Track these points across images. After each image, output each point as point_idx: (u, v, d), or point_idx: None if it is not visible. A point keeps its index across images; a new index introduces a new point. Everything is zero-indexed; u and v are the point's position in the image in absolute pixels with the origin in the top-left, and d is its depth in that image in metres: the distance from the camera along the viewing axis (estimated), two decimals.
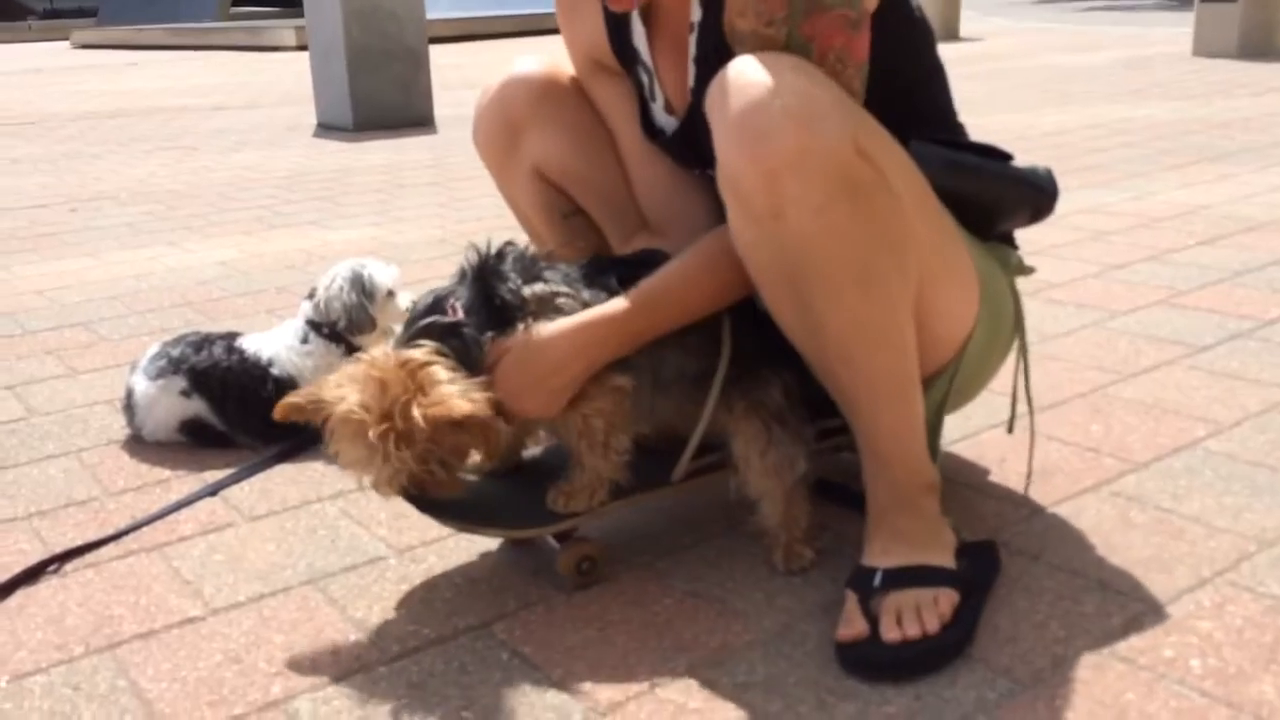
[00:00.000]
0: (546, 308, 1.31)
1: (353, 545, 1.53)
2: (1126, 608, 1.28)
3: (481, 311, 1.30)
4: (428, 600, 1.37)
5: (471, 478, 1.44)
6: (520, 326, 1.29)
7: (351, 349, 1.87)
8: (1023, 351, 1.48)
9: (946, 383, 1.35)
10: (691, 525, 1.53)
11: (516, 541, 1.49)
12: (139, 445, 1.90)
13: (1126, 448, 1.70)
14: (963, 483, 1.60)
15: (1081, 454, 1.68)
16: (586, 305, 1.31)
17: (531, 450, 1.55)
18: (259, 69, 11.01)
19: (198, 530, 1.59)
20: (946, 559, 1.28)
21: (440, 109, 6.41)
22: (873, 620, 1.22)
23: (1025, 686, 1.15)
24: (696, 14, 1.34)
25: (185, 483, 1.75)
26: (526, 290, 1.31)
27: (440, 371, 1.23)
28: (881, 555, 1.27)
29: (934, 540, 1.29)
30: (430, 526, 1.56)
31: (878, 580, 1.24)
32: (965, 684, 1.16)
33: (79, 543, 1.53)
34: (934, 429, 1.36)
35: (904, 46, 1.33)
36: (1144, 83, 6.60)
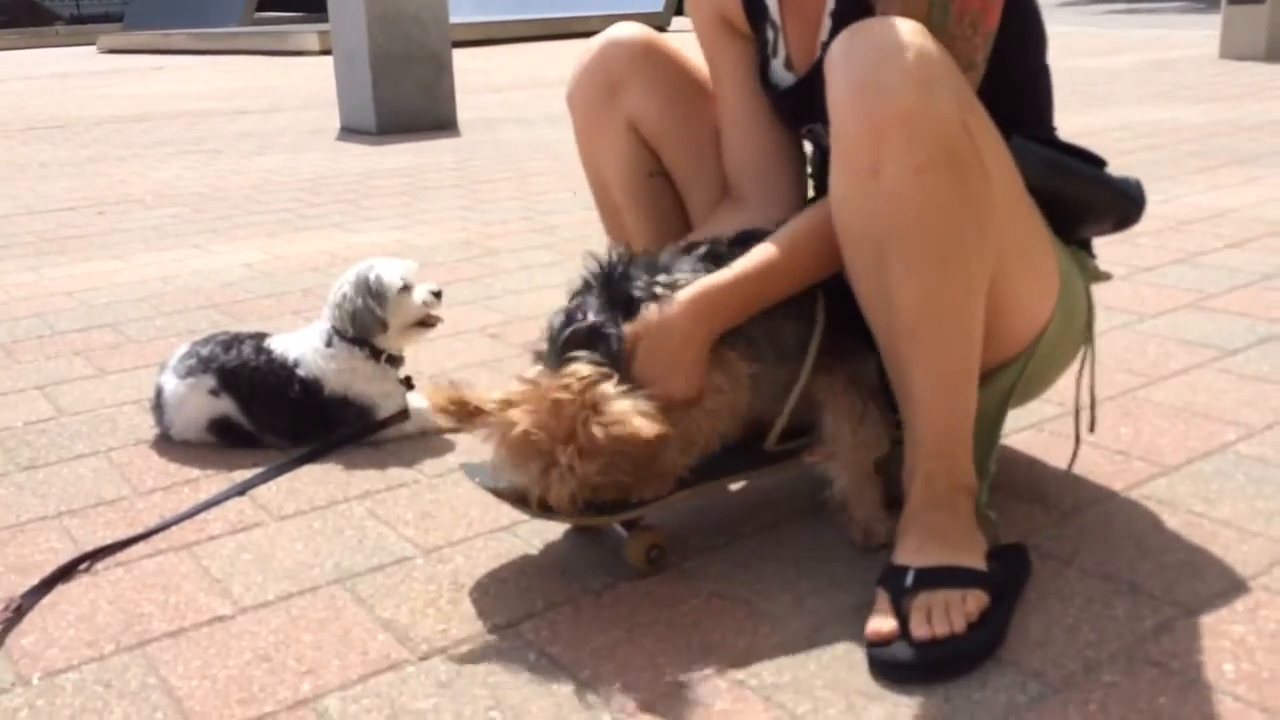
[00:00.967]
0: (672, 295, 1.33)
1: (380, 545, 1.53)
2: (1159, 611, 1.27)
3: (615, 314, 1.33)
4: (455, 600, 1.38)
5: None
6: (642, 313, 1.32)
7: (376, 352, 1.87)
8: (1091, 356, 1.50)
9: (1016, 373, 1.37)
10: (720, 527, 1.52)
11: (582, 529, 1.50)
12: (167, 445, 1.91)
13: (1157, 451, 1.68)
14: (992, 484, 1.59)
15: (1112, 457, 1.67)
16: None
17: None
18: (283, 73, 11.08)
19: (226, 529, 1.60)
20: (978, 561, 1.27)
21: (463, 112, 6.43)
22: (903, 619, 1.21)
23: (1056, 690, 1.14)
24: None
25: (214, 482, 1.76)
26: (659, 286, 1.33)
27: (609, 387, 1.25)
28: (915, 554, 1.27)
29: (968, 541, 1.29)
30: (456, 526, 1.56)
31: (910, 580, 1.24)
32: (996, 687, 1.15)
33: (109, 541, 1.55)
34: (996, 420, 1.38)
35: (1023, 40, 1.37)
36: (1170, 85, 6.55)
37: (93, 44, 19.03)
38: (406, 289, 1.87)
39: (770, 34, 1.48)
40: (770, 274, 1.32)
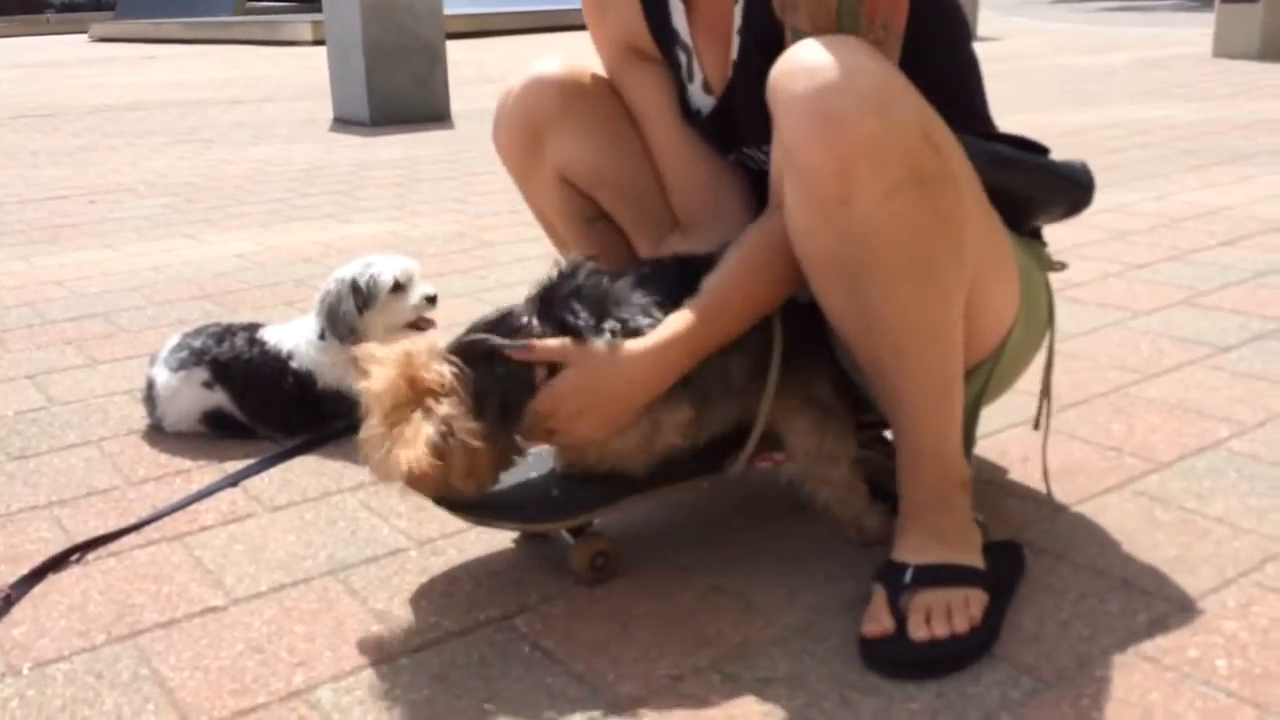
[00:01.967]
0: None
1: (373, 537, 1.53)
2: (1152, 607, 1.27)
3: (544, 323, 1.27)
4: (449, 592, 1.37)
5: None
6: (590, 341, 1.25)
7: None
8: (1050, 348, 1.48)
9: (986, 374, 1.36)
10: (714, 520, 1.52)
11: (532, 535, 1.49)
12: (159, 435, 1.90)
13: (1150, 447, 1.69)
14: (986, 480, 1.59)
15: (1104, 453, 1.67)
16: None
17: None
18: (275, 63, 11.04)
19: (219, 520, 1.59)
20: (977, 559, 1.27)
21: (456, 104, 6.41)
22: (900, 618, 1.21)
23: (1049, 685, 1.14)
24: None
25: (206, 473, 1.75)
26: (608, 331, 1.26)
27: (432, 411, 1.21)
28: (914, 551, 1.26)
29: (966, 539, 1.28)
30: (450, 519, 1.55)
31: (909, 577, 1.23)
32: (989, 682, 1.15)
33: (100, 532, 1.54)
34: (971, 420, 1.36)
35: (945, 35, 1.33)
36: (1164, 83, 6.56)
37: (84, 32, 18.92)
38: (400, 289, 1.84)
39: (683, 57, 1.43)
40: (727, 316, 1.27)
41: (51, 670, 1.25)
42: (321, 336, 1.86)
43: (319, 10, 6.56)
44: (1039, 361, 1.49)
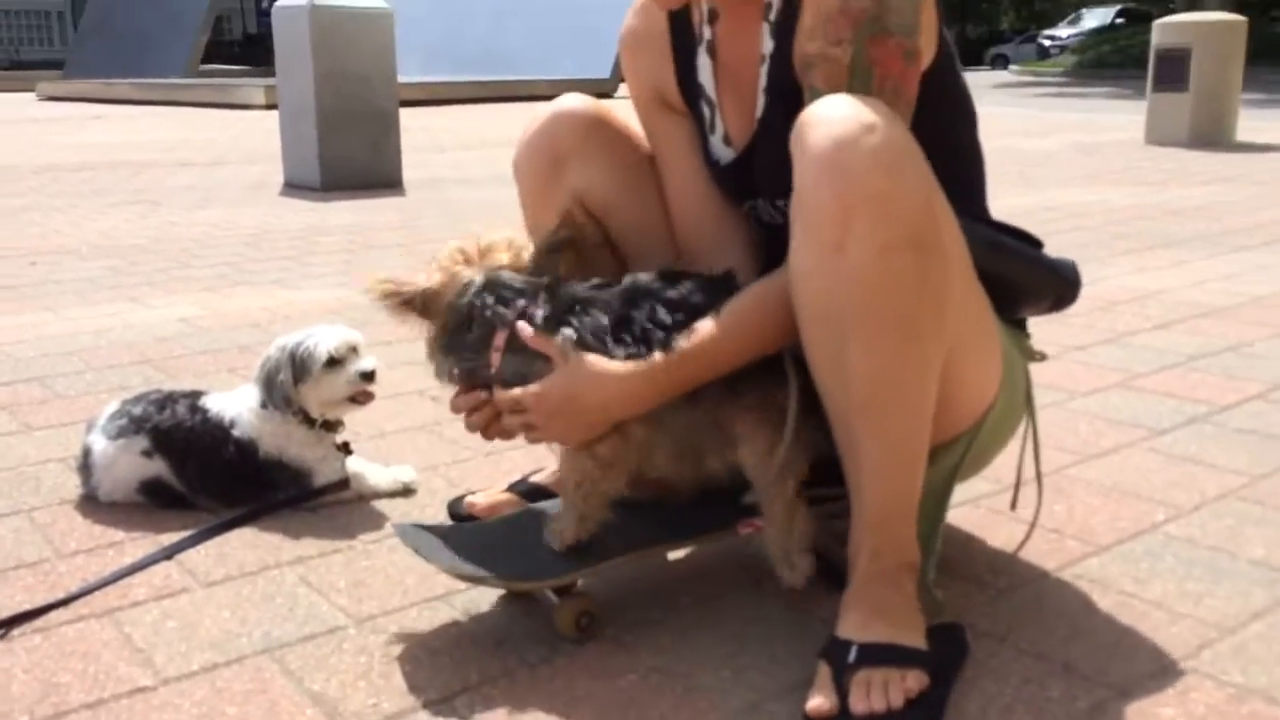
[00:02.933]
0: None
1: (311, 614, 1.50)
2: (1092, 693, 1.28)
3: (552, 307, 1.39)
4: (386, 673, 1.35)
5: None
6: (588, 354, 1.34)
7: (309, 418, 1.83)
8: (1033, 432, 1.53)
9: (963, 449, 1.39)
10: (659, 598, 1.51)
11: (515, 594, 1.50)
12: (92, 505, 1.85)
13: (1089, 530, 1.71)
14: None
15: (1045, 535, 1.69)
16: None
17: (540, 505, 1.61)
18: (226, 126, 11.02)
19: (151, 595, 1.55)
20: (919, 640, 1.27)
21: (409, 171, 6.43)
22: (843, 694, 1.21)
23: None
24: (768, 46, 1.40)
25: (139, 545, 1.71)
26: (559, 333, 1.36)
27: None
28: (859, 629, 1.27)
29: (910, 619, 1.29)
30: (391, 595, 1.53)
31: (853, 656, 1.24)
32: None
33: (27, 607, 1.49)
34: (943, 496, 1.40)
35: (952, 117, 1.42)
36: (1099, 168, 6.77)
37: (31, 90, 18.78)
38: (335, 363, 1.79)
39: (707, 111, 1.51)
40: (713, 358, 1.33)
41: None
42: (264, 405, 1.84)
43: (273, 75, 6.57)
44: (1011, 449, 1.53)
